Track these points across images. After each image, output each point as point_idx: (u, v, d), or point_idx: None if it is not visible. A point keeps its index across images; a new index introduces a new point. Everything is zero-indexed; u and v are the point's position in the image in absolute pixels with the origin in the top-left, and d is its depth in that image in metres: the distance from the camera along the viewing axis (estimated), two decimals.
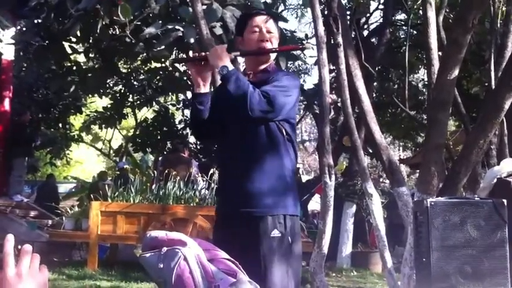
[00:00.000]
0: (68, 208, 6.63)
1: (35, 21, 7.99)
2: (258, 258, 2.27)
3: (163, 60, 9.73)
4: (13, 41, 8.39)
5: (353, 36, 8.17)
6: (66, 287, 5.08)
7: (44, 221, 7.60)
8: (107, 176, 10.60)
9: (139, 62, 11.36)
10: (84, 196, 7.22)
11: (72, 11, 6.46)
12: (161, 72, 10.82)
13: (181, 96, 13.22)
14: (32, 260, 1.13)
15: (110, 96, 12.28)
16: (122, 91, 12.35)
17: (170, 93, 12.65)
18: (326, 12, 5.95)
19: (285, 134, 2.36)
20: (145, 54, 8.83)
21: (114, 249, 6.79)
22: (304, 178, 14.28)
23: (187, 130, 12.28)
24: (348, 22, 7.82)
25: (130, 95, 12.53)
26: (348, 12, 9.11)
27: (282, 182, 2.34)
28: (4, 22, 8.02)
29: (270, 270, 2.26)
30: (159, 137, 12.42)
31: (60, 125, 13.24)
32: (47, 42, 7.82)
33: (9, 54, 8.90)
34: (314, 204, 11.33)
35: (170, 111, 13.36)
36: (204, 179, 6.25)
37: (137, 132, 13.66)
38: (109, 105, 12.62)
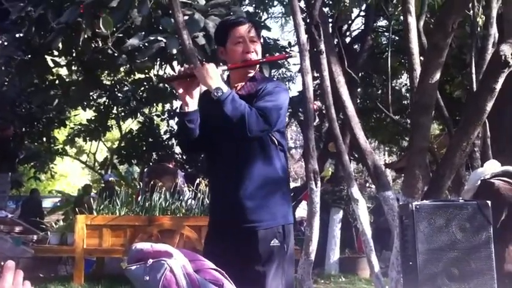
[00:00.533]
0: (53, 223, 6.56)
1: (16, 35, 7.93)
2: (259, 267, 2.29)
3: (146, 71, 9.72)
4: None
5: (335, 43, 8.24)
6: None
7: (29, 237, 7.50)
8: (92, 189, 10.51)
9: (122, 74, 11.33)
10: (70, 210, 7.15)
11: (54, 24, 6.42)
12: (145, 83, 10.79)
13: (166, 107, 13.18)
14: (15, 276, 1.11)
15: (93, 108, 12.20)
16: (106, 103, 12.28)
17: (155, 104, 12.61)
18: (308, 20, 5.99)
19: (277, 143, 2.36)
20: (128, 65, 8.80)
21: (101, 262, 6.72)
22: (291, 185, 14.29)
23: (173, 140, 12.24)
24: (330, 29, 7.89)
25: (115, 107, 12.47)
26: (330, 20, 9.18)
27: (279, 193, 2.35)
28: None
29: (268, 279, 2.29)
30: (144, 148, 12.36)
31: (44, 138, 13.12)
32: (29, 56, 7.76)
33: None
34: (301, 211, 11.33)
35: (155, 122, 13.31)
36: (190, 189, 6.23)
37: (122, 144, 13.59)
38: (93, 118, 12.55)
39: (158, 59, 7.15)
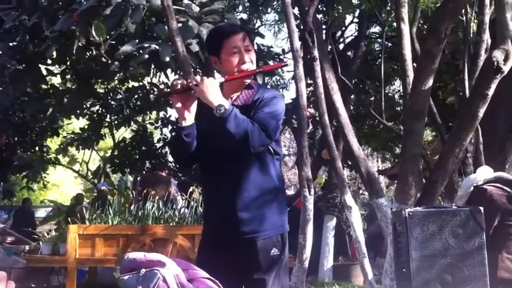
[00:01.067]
0: (45, 232, 6.51)
1: (10, 44, 7.90)
2: (259, 276, 2.29)
3: (140, 79, 9.71)
4: None
5: (329, 50, 8.27)
6: None
7: (21, 247, 7.45)
8: (84, 199, 10.45)
9: (116, 82, 11.30)
10: (62, 220, 7.10)
11: (48, 32, 6.40)
12: (139, 91, 10.77)
13: (160, 115, 13.15)
14: (6, 287, 1.10)
15: (87, 117, 12.17)
16: (99, 111, 12.25)
17: (148, 112, 12.59)
18: (302, 27, 6.01)
19: (273, 152, 2.36)
20: (122, 73, 8.78)
21: (93, 272, 6.68)
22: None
23: (166, 149, 12.20)
24: (324, 36, 7.92)
25: (108, 115, 12.43)
26: (324, 27, 9.20)
27: (275, 202, 2.35)
28: None
29: (268, 287, 2.30)
30: (137, 157, 12.32)
31: (37, 148, 13.06)
32: (23, 65, 7.74)
33: None
34: None
35: (148, 130, 13.28)
36: (184, 197, 6.20)
37: (115, 153, 13.54)
38: (86, 126, 12.50)
39: (152, 66, 7.14)
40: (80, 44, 6.47)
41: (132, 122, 12.46)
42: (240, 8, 8.82)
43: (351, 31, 16.02)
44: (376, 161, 18.70)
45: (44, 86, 9.31)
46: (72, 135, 13.04)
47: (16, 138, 12.23)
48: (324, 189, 9.06)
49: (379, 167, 16.98)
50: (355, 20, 10.69)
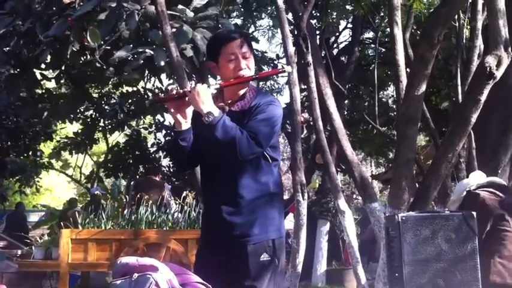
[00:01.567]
0: (37, 237, 6.48)
1: (4, 49, 7.88)
2: (249, 282, 2.29)
3: (134, 84, 9.69)
4: None
5: (323, 55, 8.30)
6: None
7: (13, 251, 7.41)
8: (77, 203, 10.40)
9: (110, 87, 11.29)
10: (55, 224, 7.06)
11: (42, 37, 6.39)
12: (133, 96, 10.75)
13: (154, 119, 13.13)
14: None
15: (80, 121, 12.14)
16: (93, 116, 12.22)
17: (142, 117, 12.57)
18: (296, 32, 6.03)
19: (269, 159, 2.35)
20: (116, 78, 8.77)
21: (86, 277, 6.64)
22: None
23: (160, 153, 12.18)
24: (318, 41, 7.95)
25: (102, 120, 12.40)
26: (318, 32, 9.24)
27: (269, 207, 2.35)
28: None
29: None
30: (131, 161, 12.28)
31: (30, 152, 13.01)
32: (17, 70, 7.71)
33: None
34: (288, 223, 11.30)
35: (142, 134, 13.26)
36: (177, 202, 6.19)
37: (108, 157, 13.50)
38: (80, 131, 12.47)
39: (146, 71, 7.14)
40: (73, 48, 6.46)
41: (125, 127, 12.43)
42: (235, 13, 8.84)
43: (345, 37, 16.09)
44: (370, 166, 18.73)
45: (38, 91, 9.29)
46: (66, 140, 12.99)
47: (9, 142, 12.19)
48: (318, 194, 9.07)
49: (373, 172, 17.01)
50: (349, 25, 10.75)
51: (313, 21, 8.94)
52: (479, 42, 5.44)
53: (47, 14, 6.47)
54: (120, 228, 5.61)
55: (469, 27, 5.91)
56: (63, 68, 8.17)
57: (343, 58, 10.78)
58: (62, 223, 5.82)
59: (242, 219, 2.30)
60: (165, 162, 12.28)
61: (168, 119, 12.99)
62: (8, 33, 6.97)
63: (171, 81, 6.94)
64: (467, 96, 4.02)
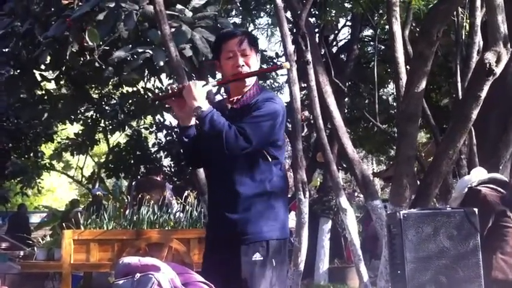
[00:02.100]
0: (39, 238, 6.48)
1: (3, 50, 7.88)
2: (240, 281, 2.29)
3: (134, 83, 9.68)
4: None
5: (322, 53, 8.29)
6: None
7: (16, 253, 7.42)
8: (79, 204, 10.39)
9: (110, 87, 11.28)
10: (57, 225, 7.07)
11: (41, 38, 6.39)
12: (133, 96, 10.74)
13: (154, 118, 13.12)
14: None
15: (81, 122, 12.14)
16: (94, 116, 12.22)
17: (143, 117, 12.57)
18: (295, 31, 6.03)
19: (270, 158, 2.34)
20: (116, 78, 8.76)
21: (88, 278, 6.64)
22: None
23: (161, 153, 12.19)
24: (317, 39, 7.94)
25: (102, 120, 12.41)
26: (317, 30, 9.23)
27: (266, 207, 2.33)
28: None
29: None
30: (132, 162, 12.29)
31: (32, 154, 13.02)
32: (17, 71, 7.71)
33: None
34: (290, 221, 11.31)
35: (143, 135, 13.26)
36: (179, 202, 6.19)
37: (110, 158, 13.50)
38: (80, 132, 12.47)
39: (146, 71, 7.13)
40: (73, 49, 6.46)
41: (126, 127, 12.43)
42: (234, 12, 8.83)
43: (344, 34, 16.10)
44: (371, 164, 18.73)
45: (38, 92, 9.28)
46: (67, 141, 13.00)
47: (10, 144, 12.20)
48: (319, 192, 9.06)
49: (374, 170, 17.02)
50: (348, 23, 10.73)
51: (312, 19, 8.93)
52: (479, 39, 5.44)
53: (46, 15, 6.47)
54: (122, 229, 5.61)
55: (468, 23, 5.90)
56: (63, 69, 8.17)
57: (342, 56, 10.77)
58: (64, 224, 5.82)
59: (238, 217, 2.31)
60: (166, 162, 12.31)
61: (169, 119, 12.98)
62: (7, 34, 6.97)
63: (171, 81, 6.94)
64: (467, 92, 4.02)
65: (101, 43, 6.08)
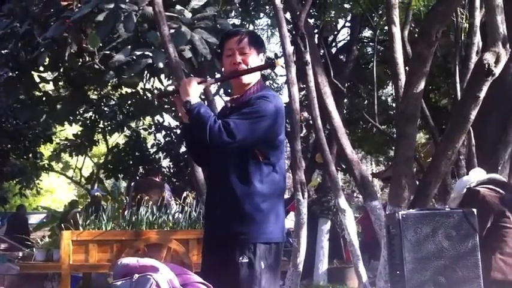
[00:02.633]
0: (38, 239, 6.48)
1: (2, 51, 7.87)
2: (228, 282, 2.29)
3: (134, 85, 9.68)
4: None
5: (321, 54, 8.29)
6: None
7: (15, 254, 7.42)
8: (78, 205, 10.39)
9: (109, 88, 11.28)
10: (56, 226, 7.06)
11: (40, 39, 6.39)
12: (132, 97, 10.74)
13: (153, 119, 13.12)
14: None
15: (80, 123, 12.14)
16: (93, 117, 12.22)
17: (142, 118, 12.57)
18: (294, 32, 6.04)
19: (261, 158, 2.32)
20: (115, 80, 8.75)
21: (87, 278, 6.63)
22: None
23: (160, 154, 12.19)
24: (316, 40, 7.94)
25: (101, 121, 12.41)
26: (316, 31, 9.23)
27: (255, 209, 2.29)
28: None
29: None
30: (130, 162, 12.29)
31: (30, 154, 13.01)
32: (16, 72, 7.70)
33: None
34: (289, 222, 11.31)
35: (142, 135, 13.26)
36: (177, 202, 6.19)
37: (108, 159, 13.50)
38: (79, 132, 12.47)
39: (146, 73, 7.13)
40: (72, 50, 6.46)
41: (125, 128, 12.44)
42: (233, 13, 8.84)
43: (343, 35, 16.08)
44: (370, 164, 18.73)
45: (37, 93, 9.28)
46: (65, 142, 13.00)
47: (9, 145, 12.19)
48: (318, 193, 9.06)
49: (373, 170, 17.01)
50: (347, 24, 10.73)
51: (311, 20, 8.94)
52: (478, 39, 5.45)
53: (45, 16, 6.47)
54: (121, 229, 5.61)
55: (467, 23, 5.91)
56: (61, 70, 8.17)
57: (341, 57, 10.77)
58: (62, 225, 5.82)
59: (230, 218, 2.31)
60: (165, 163, 12.31)
61: (167, 120, 12.97)
62: (5, 35, 6.97)
63: (170, 81, 6.94)
64: (466, 93, 4.02)
65: (100, 44, 6.08)
